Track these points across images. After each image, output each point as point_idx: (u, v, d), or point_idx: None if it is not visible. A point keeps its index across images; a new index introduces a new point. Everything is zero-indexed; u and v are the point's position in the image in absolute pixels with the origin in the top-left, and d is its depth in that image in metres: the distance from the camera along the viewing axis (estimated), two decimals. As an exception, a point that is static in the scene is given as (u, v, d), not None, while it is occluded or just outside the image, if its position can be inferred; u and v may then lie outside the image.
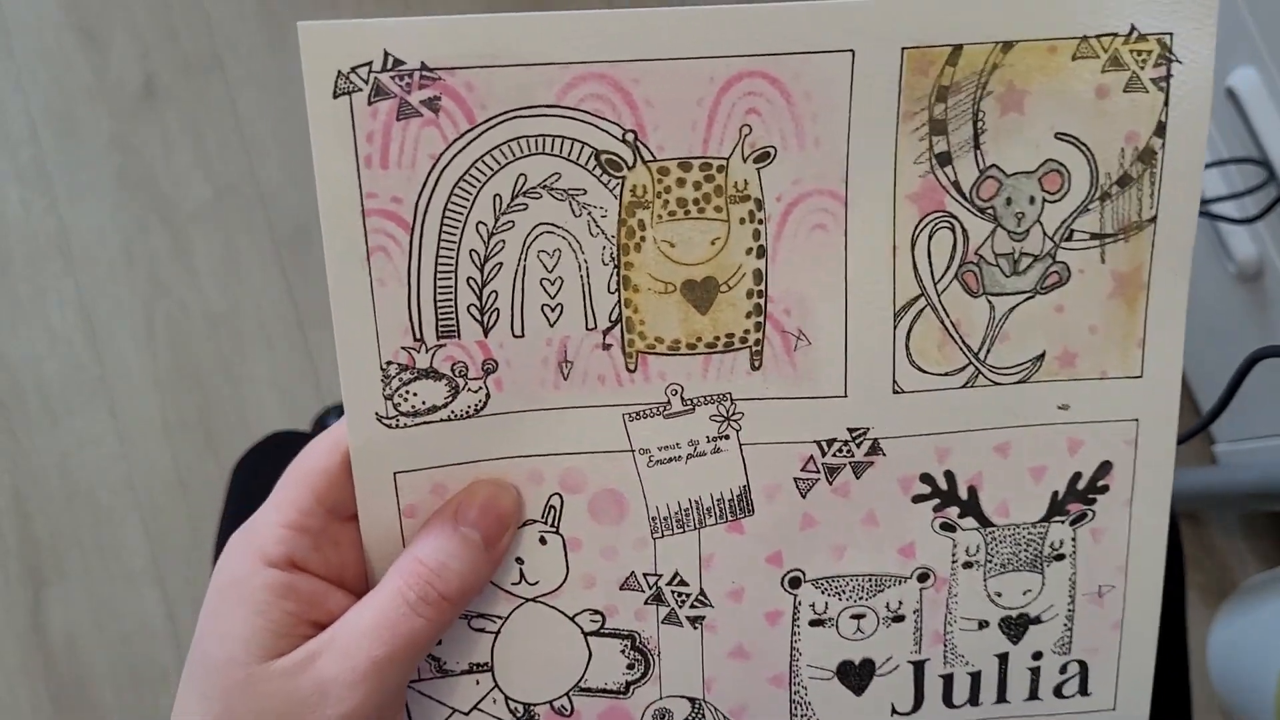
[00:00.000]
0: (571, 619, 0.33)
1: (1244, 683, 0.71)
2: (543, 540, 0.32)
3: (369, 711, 0.30)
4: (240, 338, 1.10)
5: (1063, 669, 0.35)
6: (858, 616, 0.34)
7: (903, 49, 0.29)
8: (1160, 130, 0.30)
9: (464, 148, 0.29)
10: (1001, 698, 0.35)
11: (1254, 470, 0.85)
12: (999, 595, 0.34)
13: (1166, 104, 0.30)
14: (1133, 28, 0.29)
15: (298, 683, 0.29)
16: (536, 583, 0.33)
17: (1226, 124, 0.78)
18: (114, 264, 1.11)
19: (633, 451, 0.32)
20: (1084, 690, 0.35)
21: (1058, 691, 0.35)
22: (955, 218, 0.31)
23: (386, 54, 0.28)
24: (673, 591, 0.33)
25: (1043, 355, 0.32)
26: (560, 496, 0.32)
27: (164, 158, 1.12)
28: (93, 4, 1.14)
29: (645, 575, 0.33)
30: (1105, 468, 0.33)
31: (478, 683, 0.34)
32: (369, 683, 0.30)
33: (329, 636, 0.30)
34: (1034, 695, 0.35)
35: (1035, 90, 0.30)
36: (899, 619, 0.34)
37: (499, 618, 0.33)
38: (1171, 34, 0.30)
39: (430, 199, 0.29)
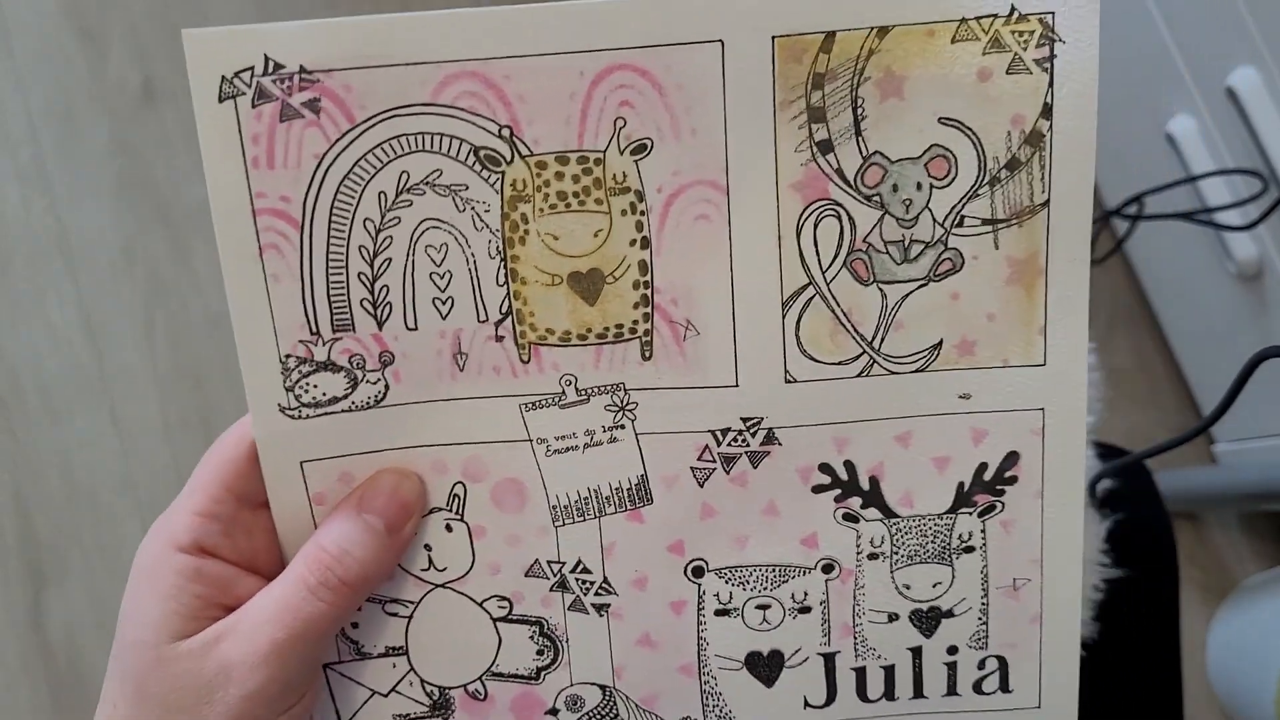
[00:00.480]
0: (480, 604, 0.34)
1: (1244, 683, 0.68)
2: (449, 527, 0.33)
3: (273, 692, 0.31)
4: None
5: (980, 664, 0.34)
6: (763, 607, 0.34)
7: (773, 37, 0.29)
8: (1046, 112, 0.29)
9: (346, 147, 0.30)
10: (919, 693, 0.34)
11: (1254, 470, 0.83)
12: (907, 588, 0.33)
13: (1051, 85, 0.29)
14: (1013, 8, 0.29)
15: (202, 664, 0.31)
16: (445, 569, 0.34)
17: (1226, 124, 0.76)
18: (114, 263, 1.12)
19: (530, 441, 0.33)
20: (1005, 687, 0.34)
21: (977, 687, 0.34)
22: (840, 205, 0.31)
23: (267, 58, 0.29)
24: (576, 579, 0.34)
25: (940, 343, 0.31)
26: (464, 485, 0.33)
27: (164, 158, 1.13)
28: (93, 4, 1.15)
29: (549, 562, 0.33)
30: (1012, 458, 0.32)
31: (394, 666, 0.35)
32: (270, 665, 0.31)
33: (234, 620, 0.31)
34: (952, 690, 0.34)
35: (915, 75, 0.29)
36: (805, 610, 0.34)
37: (410, 603, 0.34)
38: (1054, 13, 0.29)
39: (317, 197, 0.30)
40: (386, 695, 0.35)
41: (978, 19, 0.29)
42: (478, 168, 0.30)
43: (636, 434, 0.32)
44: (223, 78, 0.29)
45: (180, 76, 1.14)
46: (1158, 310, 1.01)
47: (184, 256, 1.13)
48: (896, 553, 0.33)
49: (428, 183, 0.30)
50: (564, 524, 0.33)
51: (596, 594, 0.34)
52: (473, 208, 0.31)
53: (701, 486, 0.33)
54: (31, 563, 1.09)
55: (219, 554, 0.32)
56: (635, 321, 0.31)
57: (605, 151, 0.30)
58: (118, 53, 1.15)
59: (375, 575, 0.32)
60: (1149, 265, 1.00)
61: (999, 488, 0.32)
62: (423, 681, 0.35)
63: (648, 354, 0.32)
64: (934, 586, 0.33)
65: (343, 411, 0.32)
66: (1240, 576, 0.98)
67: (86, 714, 1.09)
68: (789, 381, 0.32)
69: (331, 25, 0.29)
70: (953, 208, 0.30)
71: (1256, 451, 0.86)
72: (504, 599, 0.34)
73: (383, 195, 0.31)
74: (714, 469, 0.33)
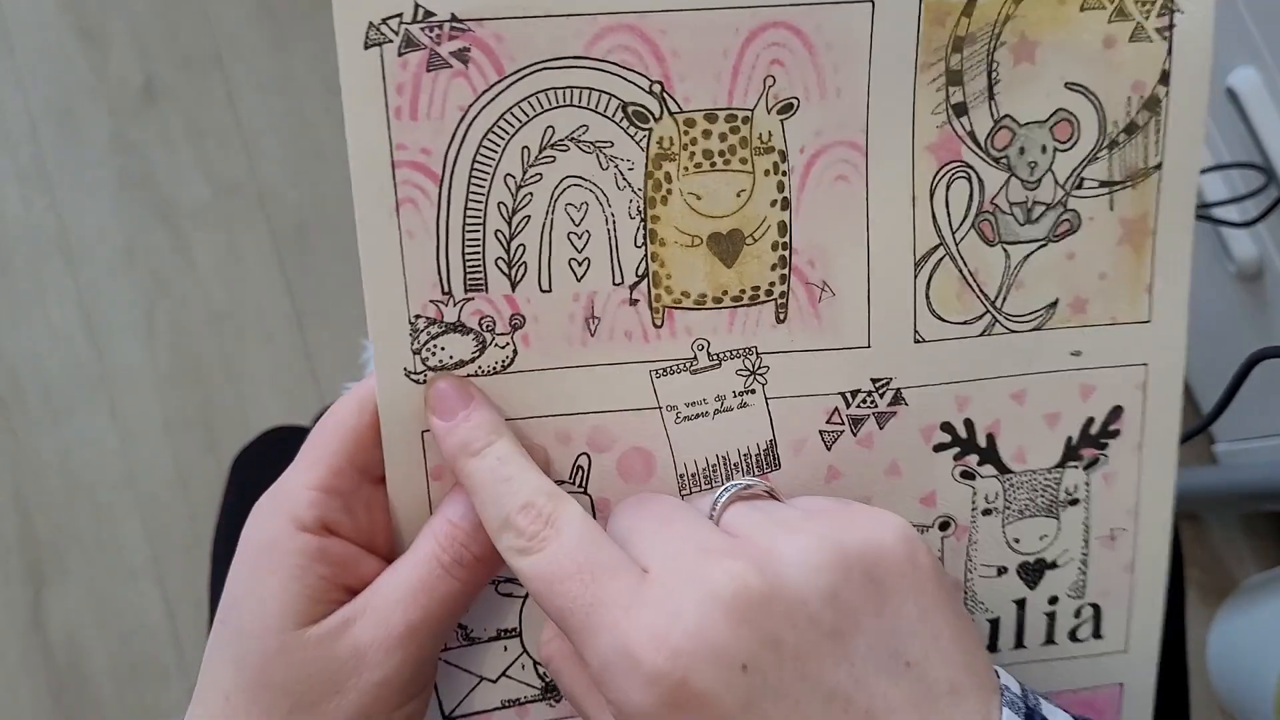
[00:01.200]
0: (599, 580, 0.33)
1: (1244, 683, 0.72)
2: (571, 500, 0.32)
3: (405, 676, 0.29)
4: (240, 336, 1.09)
5: (1077, 613, 0.35)
6: None
7: (920, 0, 0.30)
8: (1164, 79, 0.31)
9: (492, 99, 0.29)
10: (1020, 643, 0.35)
11: (1254, 470, 0.85)
12: (1017, 541, 0.34)
13: (1170, 53, 0.31)
14: (1137, -21, 0.31)
15: (334, 649, 0.29)
16: (564, 544, 0.33)
17: (1226, 124, 0.78)
18: (114, 262, 1.10)
19: (660, 408, 0.32)
20: (1097, 633, 0.36)
21: (1072, 635, 0.36)
22: (971, 168, 0.31)
23: (417, 5, 0.28)
24: (700, 548, 0.33)
25: (1055, 302, 0.33)
26: (588, 456, 0.32)
27: (164, 157, 1.11)
28: (92, 3, 1.13)
29: (673, 532, 0.33)
30: (1116, 412, 0.34)
31: (505, 649, 0.33)
32: (405, 648, 0.29)
33: (363, 602, 0.29)
34: (1050, 640, 0.36)
35: (1046, 41, 0.31)
36: (922, 569, 0.34)
37: (526, 581, 0.33)
38: (1173, -16, 0.31)
39: (459, 151, 0.29)
40: (495, 681, 0.33)
41: (1104, -11, 0.31)
42: (625, 124, 0.30)
43: (767, 398, 0.32)
44: (370, 23, 0.28)
45: (180, 75, 1.11)
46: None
47: (185, 255, 1.09)
48: (1009, 507, 0.34)
49: (573, 138, 0.30)
50: (691, 492, 0.33)
51: (719, 562, 0.33)
52: (616, 165, 0.30)
53: (829, 449, 0.33)
54: (31, 562, 1.04)
55: (340, 532, 0.30)
56: (772, 284, 0.31)
57: (754, 110, 0.30)
58: (118, 52, 1.11)
59: None
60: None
61: (1103, 441, 0.34)
62: (535, 664, 0.33)
63: (782, 316, 0.32)
64: (1041, 539, 0.35)
65: (468, 377, 0.31)
66: (1240, 576, 1.02)
67: (86, 714, 1.02)
68: (918, 341, 0.32)
69: None
70: (1073, 170, 0.32)
71: (1256, 451, 0.88)
72: (625, 572, 0.33)
73: (526, 150, 0.29)
74: (842, 431, 0.33)
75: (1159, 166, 0.32)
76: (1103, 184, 0.32)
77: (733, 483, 0.30)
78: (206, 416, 1.08)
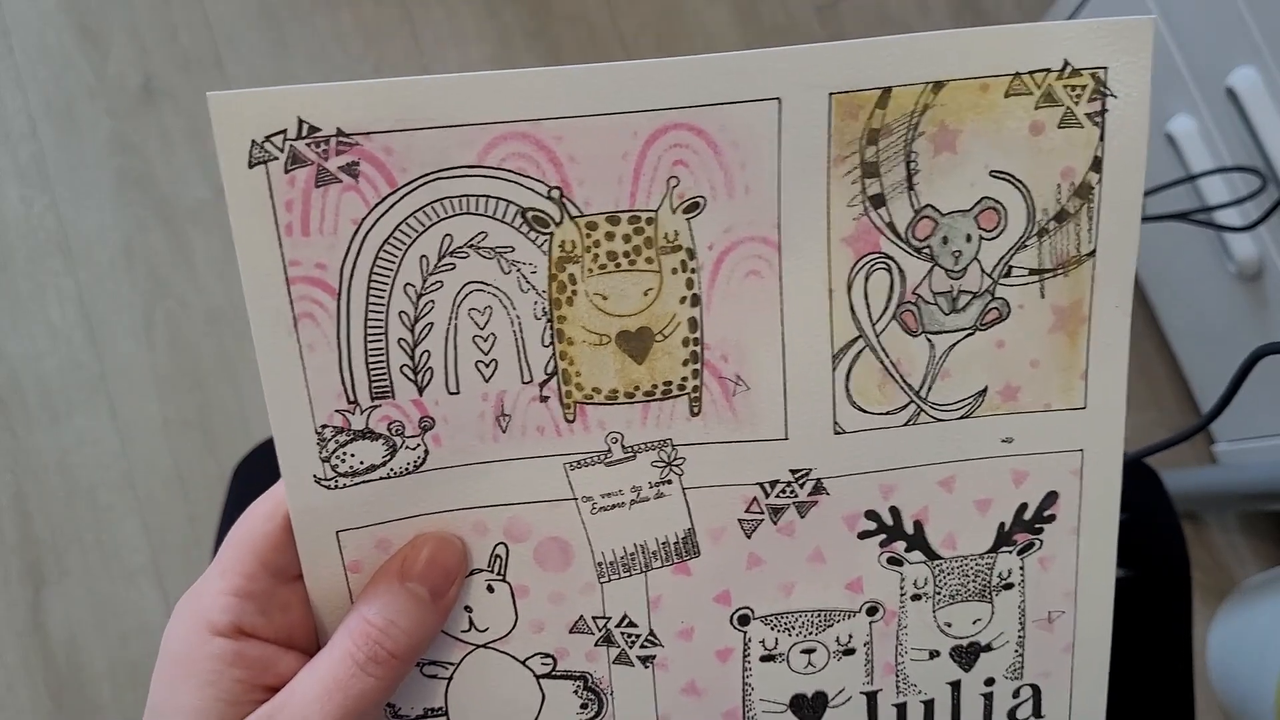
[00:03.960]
0: (523, 663, 0.33)
1: (1244, 683, 0.71)
2: (490, 588, 0.33)
3: None
4: (240, 336, 1.10)
5: (1015, 693, 0.35)
6: (808, 651, 0.34)
7: (830, 94, 0.29)
8: (1096, 165, 0.30)
9: (386, 211, 0.29)
10: (955, 722, 0.35)
11: (1254, 470, 0.84)
12: (949, 625, 0.34)
13: (1102, 139, 0.29)
14: (1066, 63, 0.29)
15: None
16: (486, 629, 0.33)
17: (1226, 124, 0.77)
18: (114, 262, 1.11)
19: (576, 499, 0.32)
20: (1038, 714, 0.35)
21: (1011, 716, 0.35)
22: (891, 258, 0.30)
23: (301, 121, 0.28)
24: (622, 633, 0.33)
25: (985, 390, 0.32)
26: (505, 545, 0.32)
27: (164, 156, 1.12)
28: (92, 3, 1.14)
29: (594, 618, 0.33)
30: (1051, 497, 0.33)
31: (434, 727, 0.34)
32: None
33: (280, 702, 0.30)
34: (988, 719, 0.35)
35: (968, 129, 0.29)
36: (849, 652, 0.34)
37: (450, 664, 0.33)
38: (1106, 68, 0.29)
39: (355, 264, 0.29)
40: (426, 756, 0.34)
41: (1031, 74, 0.29)
42: (525, 229, 0.29)
43: (684, 488, 0.32)
44: (253, 142, 0.28)
45: (180, 74, 1.12)
46: (1157, 310, 1.01)
47: (184, 255, 1.11)
48: (939, 592, 0.34)
49: (472, 245, 0.29)
50: (610, 580, 0.33)
51: (642, 646, 0.33)
52: (519, 269, 0.30)
53: (749, 537, 0.32)
54: (31, 562, 1.07)
55: (257, 633, 0.31)
56: (684, 378, 0.31)
57: (658, 211, 0.29)
58: (118, 52, 1.12)
59: (422, 644, 0.31)
60: (1149, 265, 0.99)
61: (1038, 526, 0.33)
62: (464, 741, 0.34)
63: (696, 410, 0.31)
64: (974, 623, 0.34)
65: (380, 479, 0.31)
66: (1240, 576, 1.01)
67: (87, 714, 1.06)
68: (838, 433, 0.32)
69: (371, 86, 0.27)
70: (1001, 258, 0.31)
71: (1256, 451, 0.87)
72: (548, 656, 0.33)
73: (424, 259, 0.29)
74: (762, 520, 0.32)
75: (1093, 254, 0.30)
76: (1032, 272, 0.31)
77: None
78: (205, 417, 1.09)
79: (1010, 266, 0.31)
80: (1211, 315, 0.90)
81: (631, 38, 1.15)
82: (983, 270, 0.31)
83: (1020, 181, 0.30)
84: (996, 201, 0.30)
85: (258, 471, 0.63)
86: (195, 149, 1.12)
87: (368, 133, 0.28)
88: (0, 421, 1.09)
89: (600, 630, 0.33)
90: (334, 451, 0.30)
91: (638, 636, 0.33)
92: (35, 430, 1.09)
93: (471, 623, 0.33)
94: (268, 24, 1.14)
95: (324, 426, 0.30)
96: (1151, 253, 0.98)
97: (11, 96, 1.13)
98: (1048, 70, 0.29)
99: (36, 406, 1.09)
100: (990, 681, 0.35)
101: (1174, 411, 1.00)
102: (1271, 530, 1.04)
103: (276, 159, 0.28)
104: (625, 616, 0.33)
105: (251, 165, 0.28)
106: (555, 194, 0.29)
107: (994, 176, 0.30)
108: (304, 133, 0.28)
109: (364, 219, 0.28)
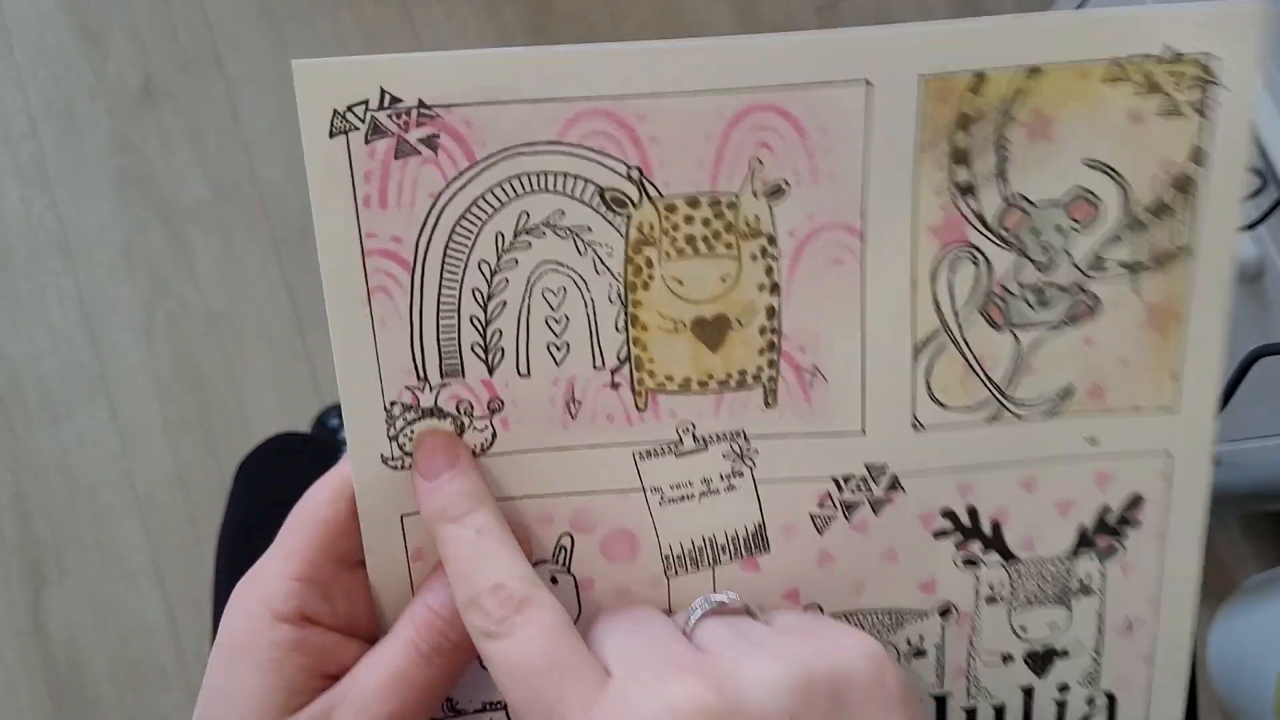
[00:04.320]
0: (584, 655, 0.33)
1: (1244, 683, 0.69)
2: (554, 580, 0.32)
3: None
4: (240, 336, 1.10)
5: (1089, 700, 0.34)
6: None
7: (921, 77, 0.28)
8: (1198, 157, 0.29)
9: (464, 186, 0.28)
10: (1026, 731, 0.34)
11: (1254, 470, 0.83)
12: (1024, 629, 0.33)
13: (1206, 130, 0.28)
14: (1168, 48, 0.28)
15: None
16: (548, 619, 0.32)
17: None
18: (114, 262, 1.11)
19: (644, 490, 0.31)
20: (1111, 724, 0.34)
21: (1084, 725, 0.34)
22: (978, 249, 0.29)
23: (383, 91, 0.27)
24: (687, 628, 0.32)
25: (1070, 388, 0.31)
26: (571, 536, 0.31)
27: (164, 157, 1.12)
28: (92, 3, 1.14)
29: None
30: (1136, 501, 0.32)
31: None
32: None
33: (342, 691, 0.29)
34: (1059, 729, 0.34)
35: (1064, 117, 0.28)
36: (920, 654, 0.33)
37: (511, 654, 0.33)
38: (1210, 54, 0.28)
39: (431, 238, 0.28)
40: (482, 749, 0.34)
41: (1131, 59, 0.28)
42: (602, 209, 0.29)
43: (755, 481, 0.31)
44: (335, 111, 0.27)
45: (180, 74, 1.12)
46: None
47: (184, 255, 1.11)
48: (1015, 595, 0.33)
49: (548, 224, 0.29)
50: (677, 574, 0.32)
51: (706, 642, 0.33)
52: (595, 250, 0.29)
53: (821, 534, 0.32)
54: (31, 562, 1.08)
55: (319, 620, 0.30)
56: (760, 368, 0.30)
57: (739, 194, 0.29)
58: (118, 51, 1.13)
59: None
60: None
61: (1120, 530, 0.32)
62: (521, 733, 0.33)
63: (771, 401, 0.30)
64: (1050, 627, 0.33)
65: (447, 461, 0.30)
66: (1240, 577, 0.99)
67: (86, 715, 1.06)
68: (916, 428, 0.31)
69: (454, 58, 0.27)
70: (1092, 251, 0.29)
71: (1256, 451, 0.86)
72: (610, 649, 0.33)
73: (500, 236, 0.29)
74: (834, 516, 0.31)
75: (1190, 248, 0.29)
76: (1125, 265, 0.30)
77: (708, 597, 0.29)
78: (205, 417, 1.09)
79: (1102, 259, 0.30)
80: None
81: (632, 38, 1.15)
82: (1073, 263, 0.30)
83: (1116, 172, 0.29)
84: (1090, 192, 0.29)
85: (260, 470, 0.63)
86: (195, 149, 1.12)
87: (449, 105, 0.27)
88: (0, 421, 1.09)
89: (664, 624, 0.32)
90: (402, 429, 0.30)
91: (702, 632, 0.32)
92: (35, 430, 1.09)
93: (533, 612, 0.32)
94: (268, 24, 1.15)
95: (393, 404, 0.30)
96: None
97: (11, 96, 1.13)
98: (1149, 56, 0.28)
99: (36, 406, 1.09)
100: (1064, 688, 0.34)
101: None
102: (1271, 530, 1.02)
103: (358, 129, 0.27)
104: (690, 611, 0.32)
105: (333, 135, 0.27)
106: (635, 174, 0.28)
107: (1089, 166, 0.29)
108: (386, 103, 0.27)
109: (441, 192, 0.28)
